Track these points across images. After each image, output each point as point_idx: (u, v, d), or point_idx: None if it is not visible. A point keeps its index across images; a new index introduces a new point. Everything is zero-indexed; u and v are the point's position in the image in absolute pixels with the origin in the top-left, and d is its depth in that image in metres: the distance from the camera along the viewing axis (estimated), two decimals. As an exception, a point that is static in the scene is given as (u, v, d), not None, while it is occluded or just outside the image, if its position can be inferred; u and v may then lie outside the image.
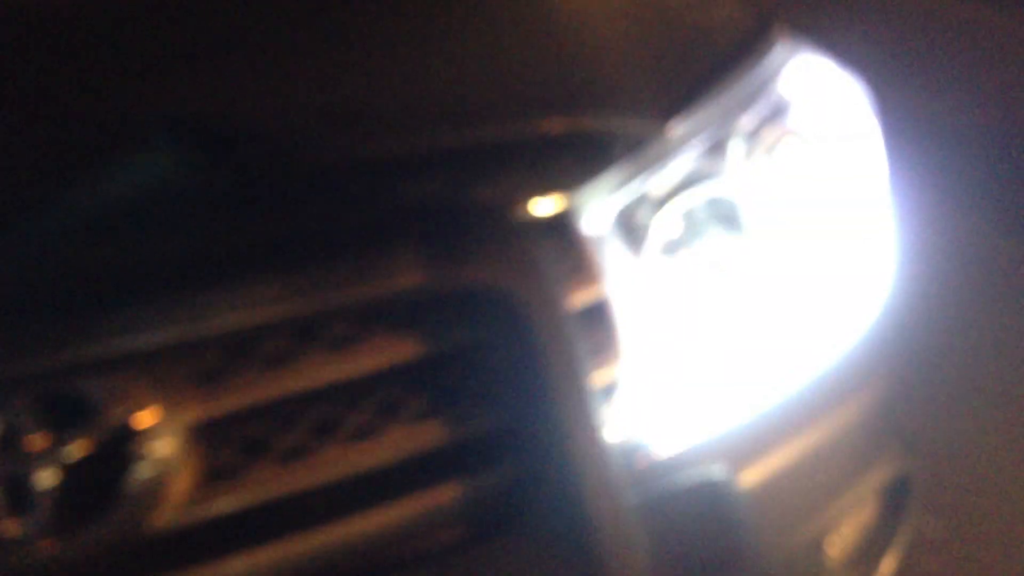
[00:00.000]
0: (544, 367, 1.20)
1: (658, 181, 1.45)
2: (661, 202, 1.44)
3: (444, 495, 1.21)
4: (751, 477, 1.40)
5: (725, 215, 1.50)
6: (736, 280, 1.49)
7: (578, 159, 1.35)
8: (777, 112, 1.61)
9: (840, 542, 1.66)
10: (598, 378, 1.32)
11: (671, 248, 1.45)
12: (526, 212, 1.26)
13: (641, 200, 1.43)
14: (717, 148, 1.53)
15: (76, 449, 1.08)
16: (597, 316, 1.32)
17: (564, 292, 1.24)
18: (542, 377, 1.21)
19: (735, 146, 1.54)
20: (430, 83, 1.34)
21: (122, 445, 1.10)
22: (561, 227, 1.30)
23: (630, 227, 1.42)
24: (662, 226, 1.45)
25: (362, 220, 1.18)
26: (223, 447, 1.14)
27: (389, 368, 1.19)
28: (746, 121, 1.56)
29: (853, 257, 1.62)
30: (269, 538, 1.14)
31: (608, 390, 1.33)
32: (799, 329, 1.53)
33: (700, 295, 1.46)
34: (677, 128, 1.46)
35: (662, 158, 1.44)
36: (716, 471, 1.35)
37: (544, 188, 1.29)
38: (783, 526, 1.46)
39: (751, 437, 1.43)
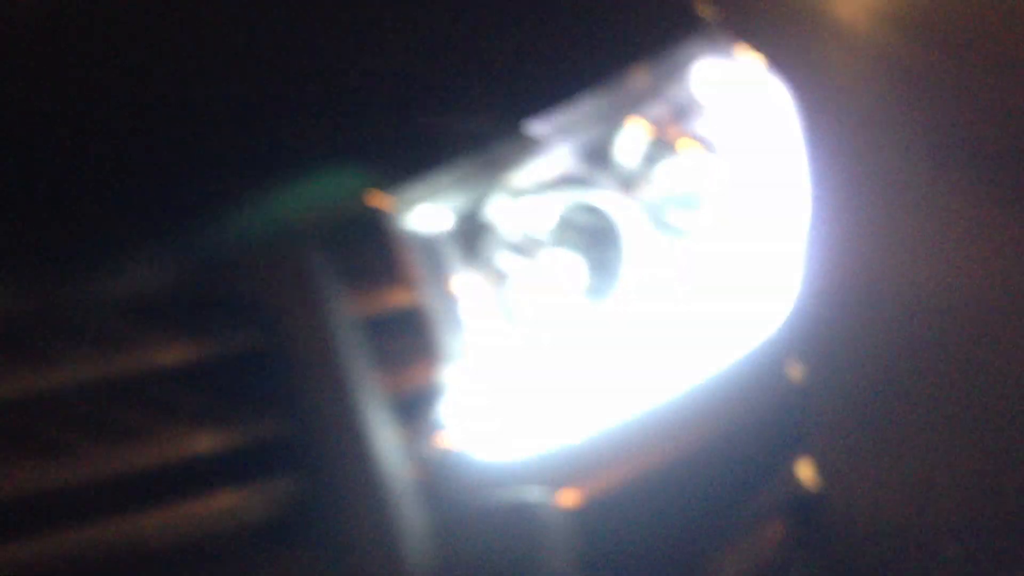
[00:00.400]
0: (314, 375, 1.16)
1: (515, 182, 1.38)
2: (515, 204, 1.38)
3: (219, 502, 1.18)
4: (584, 498, 1.33)
5: (600, 219, 1.42)
6: (602, 289, 1.42)
7: (402, 156, 1.30)
8: (682, 112, 1.52)
9: (736, 565, 1.58)
10: (409, 386, 1.27)
11: (525, 253, 1.39)
12: (319, 212, 1.21)
13: (490, 201, 1.37)
14: (600, 148, 1.45)
15: None
16: (412, 320, 1.27)
17: (348, 297, 1.19)
18: (315, 386, 1.16)
19: (624, 146, 1.47)
20: (241, 72, 1.30)
21: None
22: (370, 227, 1.25)
23: (473, 229, 1.36)
24: (514, 229, 1.38)
25: (123, 215, 1.15)
26: None
27: (162, 367, 1.16)
28: (641, 119, 1.48)
29: (753, 267, 1.53)
30: (21, 535, 1.13)
31: (425, 399, 1.28)
32: (673, 341, 1.45)
33: (555, 303, 1.40)
34: (543, 123, 1.39)
35: (521, 156, 1.38)
36: (533, 492, 1.29)
37: (349, 187, 1.25)
38: (631, 549, 1.39)
39: (594, 455, 1.37)
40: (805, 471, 1.63)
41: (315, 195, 1.23)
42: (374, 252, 1.26)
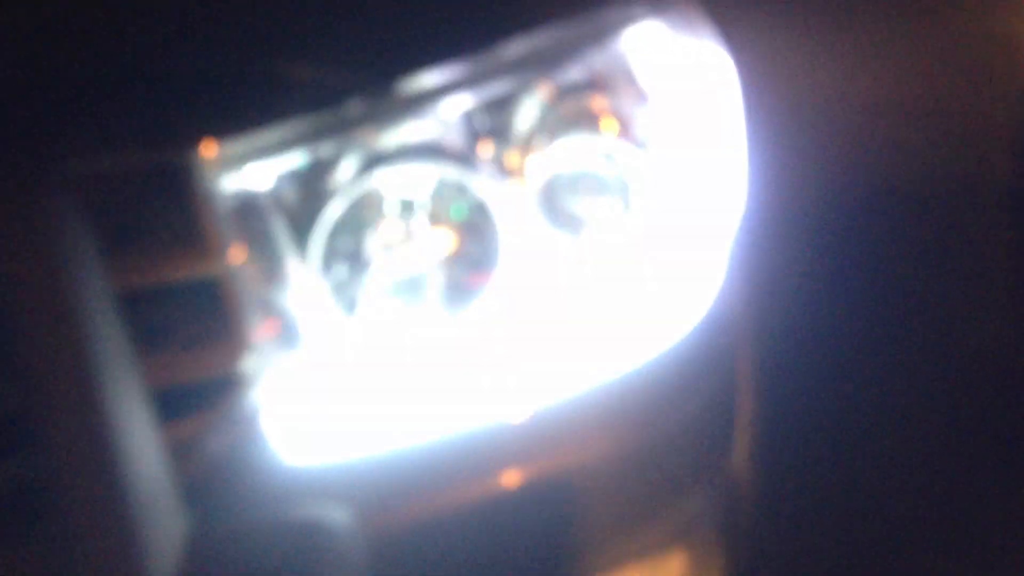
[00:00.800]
0: (48, 348, 0.99)
1: (373, 146, 1.19)
2: (370, 172, 1.19)
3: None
4: (394, 522, 1.16)
5: (470, 200, 1.23)
6: (466, 283, 1.23)
7: (230, 103, 1.11)
8: (602, 84, 1.31)
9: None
10: (200, 371, 1.10)
11: (375, 230, 1.20)
12: (96, 158, 1.03)
13: (338, 166, 1.18)
14: (491, 116, 1.25)
15: None
16: (210, 293, 1.10)
17: (122, 261, 1.02)
18: (48, 360, 0.99)
19: (522, 116, 1.26)
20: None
21: None
22: (173, 182, 1.08)
23: (313, 196, 1.17)
24: (364, 201, 1.19)
25: None
26: None
27: None
28: (548, 87, 1.27)
29: (664, 269, 1.32)
30: None
31: (219, 387, 1.11)
32: (550, 348, 1.25)
33: (406, 294, 1.21)
34: (420, 80, 1.19)
35: (386, 117, 1.18)
36: (325, 510, 1.11)
37: (153, 133, 1.07)
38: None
39: (419, 473, 1.18)
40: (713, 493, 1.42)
41: (99, 136, 1.05)
42: (176, 213, 1.09)
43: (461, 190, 1.21)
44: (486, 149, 1.23)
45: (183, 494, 1.08)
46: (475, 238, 1.22)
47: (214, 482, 1.11)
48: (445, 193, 1.21)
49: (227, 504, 1.11)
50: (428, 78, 1.19)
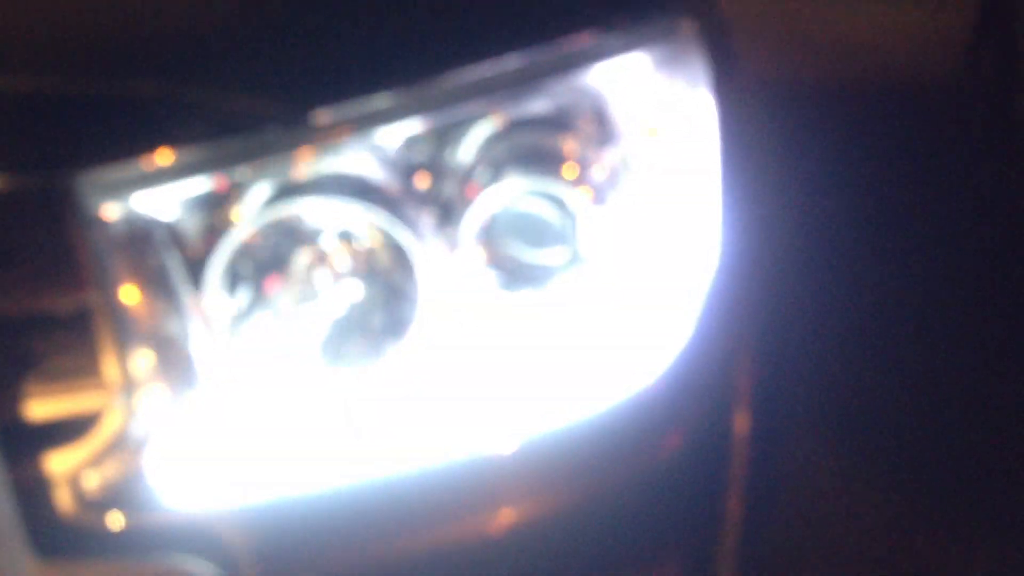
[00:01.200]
0: None
1: (285, 178, 1.11)
2: (278, 206, 1.11)
3: None
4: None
5: (396, 237, 1.14)
6: (382, 331, 1.15)
7: (117, 126, 1.05)
8: (558, 119, 1.20)
9: None
10: (62, 406, 1.06)
11: (281, 269, 1.13)
12: None
13: (243, 198, 1.11)
14: (429, 150, 1.16)
15: None
16: (86, 326, 1.05)
17: None
18: None
19: (466, 152, 1.17)
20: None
21: None
22: (40, 210, 1.03)
23: (209, 228, 1.10)
24: (270, 236, 1.12)
25: None
26: None
27: None
28: (500, 122, 1.17)
29: (616, 325, 1.22)
30: None
31: (89, 424, 1.06)
32: (474, 402, 1.17)
33: (310, 341, 1.13)
34: (346, 109, 1.11)
35: (299, 149, 1.10)
36: (201, 562, 1.05)
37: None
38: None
39: (303, 529, 1.12)
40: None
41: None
42: (49, 240, 1.04)
43: (385, 226, 1.12)
44: (421, 183, 1.15)
45: (44, 537, 1.04)
46: (396, 279, 1.13)
47: (81, 525, 1.06)
48: (367, 229, 1.13)
49: (92, 549, 1.06)
50: (362, 105, 1.11)
